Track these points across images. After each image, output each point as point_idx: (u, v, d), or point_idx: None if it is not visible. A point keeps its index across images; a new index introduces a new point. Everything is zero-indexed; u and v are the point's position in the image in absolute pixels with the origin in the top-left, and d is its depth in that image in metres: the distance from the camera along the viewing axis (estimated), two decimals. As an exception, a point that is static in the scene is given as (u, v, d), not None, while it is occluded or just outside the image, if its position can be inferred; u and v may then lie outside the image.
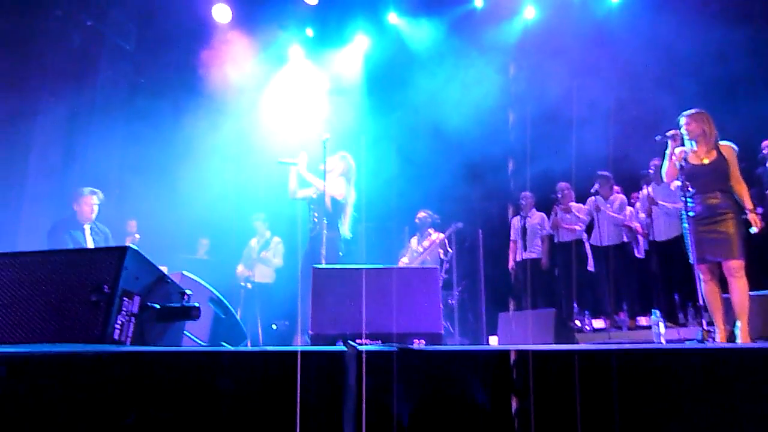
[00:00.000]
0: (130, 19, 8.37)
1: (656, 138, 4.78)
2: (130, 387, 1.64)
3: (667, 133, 4.69)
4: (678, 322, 6.17)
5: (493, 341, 6.82)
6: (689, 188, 4.49)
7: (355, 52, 9.03)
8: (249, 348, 2.51)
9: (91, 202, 5.79)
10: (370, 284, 3.90)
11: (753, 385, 1.84)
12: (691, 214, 4.47)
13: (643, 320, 6.49)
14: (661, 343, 4.37)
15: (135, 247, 2.53)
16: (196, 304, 2.74)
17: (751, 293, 4.34)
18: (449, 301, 6.97)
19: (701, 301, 4.42)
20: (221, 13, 8.27)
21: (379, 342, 3.77)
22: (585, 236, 7.31)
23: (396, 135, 8.38)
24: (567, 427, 1.71)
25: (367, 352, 1.67)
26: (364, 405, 1.63)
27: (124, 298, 2.41)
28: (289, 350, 1.70)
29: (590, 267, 7.19)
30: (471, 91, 7.74)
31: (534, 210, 7.67)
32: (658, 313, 4.51)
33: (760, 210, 4.88)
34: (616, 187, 7.29)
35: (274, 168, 5.93)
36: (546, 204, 7.64)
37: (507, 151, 8.21)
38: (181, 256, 7.64)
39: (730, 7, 6.69)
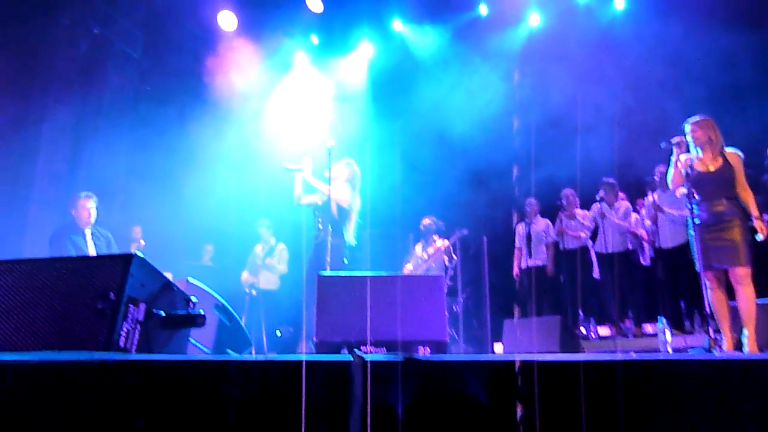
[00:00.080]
0: (137, 26, 8.42)
1: (661, 145, 4.77)
2: (136, 395, 1.64)
3: (672, 140, 4.66)
4: (684, 329, 6.14)
5: (498, 348, 6.79)
6: (695, 195, 4.47)
7: (359, 59, 9.06)
8: (255, 356, 2.51)
9: (88, 206, 5.78)
10: (374, 291, 3.90)
11: (759, 396, 1.83)
12: (697, 221, 4.44)
13: (649, 328, 6.45)
14: (668, 350, 4.34)
15: (141, 254, 2.53)
16: (202, 312, 2.74)
17: (758, 301, 4.31)
18: (454, 307, 6.96)
19: (708, 309, 4.39)
20: (227, 21, 8.32)
21: (384, 349, 3.77)
22: (590, 243, 7.29)
23: (401, 141, 8.38)
24: (573, 437, 1.70)
25: (373, 361, 1.67)
26: (369, 414, 1.62)
27: (130, 305, 2.41)
28: (294, 359, 1.70)
29: (595, 274, 7.16)
30: (476, 98, 7.75)
31: (539, 217, 7.66)
32: (664, 320, 4.49)
33: (766, 217, 4.84)
34: (621, 194, 7.27)
35: (278, 174, 5.94)
36: (551, 211, 7.62)
37: (512, 157, 8.19)
38: (186, 263, 7.65)
39: (736, 13, 6.67)
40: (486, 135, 7.63)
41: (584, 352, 5.90)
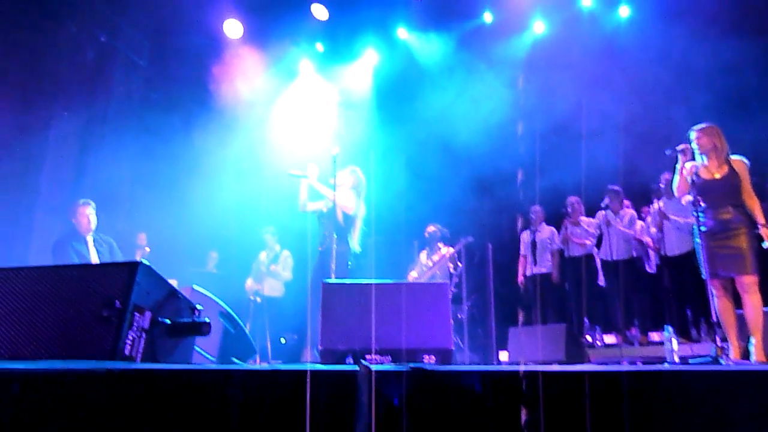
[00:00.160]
0: (143, 34, 8.46)
1: (666, 152, 4.76)
2: (141, 404, 1.63)
3: (678, 148, 4.65)
4: (691, 338, 6.10)
5: (504, 356, 6.77)
6: (701, 203, 4.46)
7: (364, 66, 9.09)
8: (261, 366, 2.51)
9: (86, 213, 5.79)
10: (379, 299, 3.89)
11: (766, 407, 1.82)
12: (703, 229, 4.42)
13: (655, 336, 6.41)
14: (674, 359, 4.32)
15: (146, 263, 2.53)
16: (207, 320, 2.74)
17: (766, 309, 4.29)
18: (459, 315, 6.93)
19: (714, 317, 4.37)
20: (232, 29, 8.36)
21: (389, 357, 3.75)
22: (595, 251, 7.27)
23: (405, 149, 8.40)
24: (579, 447, 1.69)
25: (379, 371, 1.66)
26: (374, 425, 1.62)
27: (136, 314, 2.42)
28: (300, 369, 1.69)
29: (600, 282, 7.14)
30: (480, 105, 7.76)
31: (544, 224, 7.65)
32: (670, 329, 4.46)
33: (773, 225, 4.82)
34: (626, 202, 7.25)
35: (283, 181, 5.94)
36: (556, 218, 7.61)
37: (516, 165, 8.20)
38: (191, 270, 7.66)
39: (741, 20, 6.66)
40: (491, 142, 7.63)
41: (590, 360, 5.87)
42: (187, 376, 1.72)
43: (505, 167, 7.96)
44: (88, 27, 7.62)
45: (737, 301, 4.37)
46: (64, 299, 2.40)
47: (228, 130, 8.17)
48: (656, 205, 6.68)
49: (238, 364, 3.47)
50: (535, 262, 7.50)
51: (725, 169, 4.49)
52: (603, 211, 7.09)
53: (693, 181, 4.48)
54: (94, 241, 5.85)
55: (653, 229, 6.75)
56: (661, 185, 6.57)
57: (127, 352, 2.35)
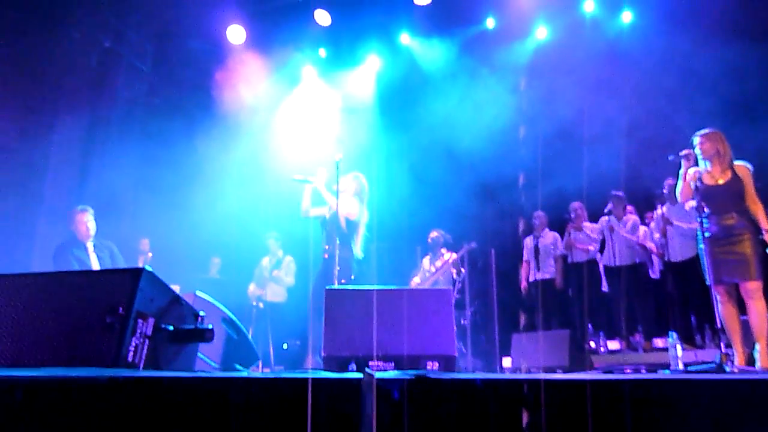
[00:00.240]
0: (147, 40, 8.49)
1: (669, 158, 4.75)
2: (144, 412, 1.63)
3: (681, 153, 4.65)
4: (695, 344, 6.08)
5: (507, 363, 6.75)
6: (704, 209, 4.44)
7: (367, 72, 9.10)
8: (264, 373, 2.50)
9: (84, 220, 5.78)
10: (382, 305, 3.88)
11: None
12: (707, 234, 4.41)
13: (659, 342, 6.39)
14: (678, 366, 4.29)
15: (150, 269, 2.53)
16: (210, 326, 2.74)
17: (771, 315, 4.27)
18: (462, 321, 6.92)
19: (719, 323, 4.35)
20: (235, 35, 8.37)
21: (392, 364, 3.74)
22: (599, 256, 7.25)
23: (408, 154, 8.40)
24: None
25: (382, 379, 1.66)
26: (379, 433, 1.61)
27: (139, 320, 2.41)
28: (303, 377, 1.69)
29: (604, 287, 7.12)
30: (483, 111, 7.75)
31: (547, 230, 7.64)
32: (675, 335, 4.44)
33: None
34: (629, 207, 7.24)
35: (285, 187, 5.94)
36: (559, 224, 7.59)
37: (520, 170, 8.19)
38: (193, 275, 7.66)
39: (745, 25, 6.65)
40: (494, 148, 7.62)
41: (594, 366, 5.86)
42: (190, 383, 1.71)
43: (508, 173, 7.96)
44: (91, 32, 7.65)
45: (742, 307, 4.35)
46: (66, 306, 2.40)
47: (231, 136, 8.17)
48: (660, 210, 6.67)
49: (241, 371, 3.46)
50: (538, 268, 7.49)
51: (729, 174, 4.49)
52: (606, 217, 7.08)
53: (696, 186, 4.47)
54: (94, 246, 5.84)
55: (657, 235, 6.74)
56: (665, 191, 6.56)
57: (130, 358, 2.34)
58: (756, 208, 4.40)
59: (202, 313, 2.84)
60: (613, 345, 6.65)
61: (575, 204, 7.39)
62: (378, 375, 1.68)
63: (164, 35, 8.43)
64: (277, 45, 8.53)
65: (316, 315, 5.24)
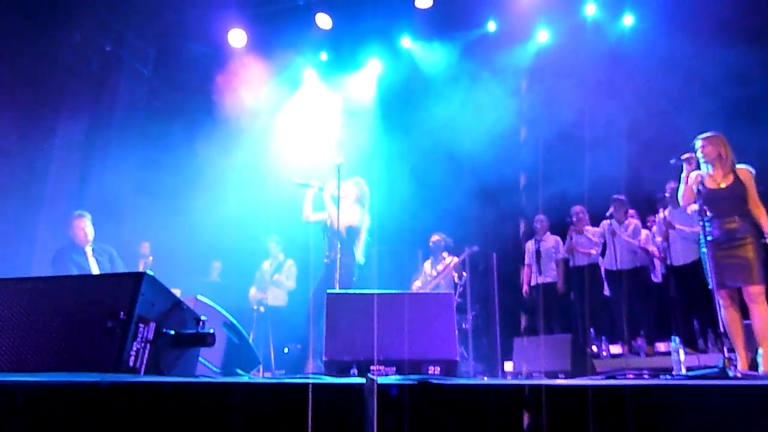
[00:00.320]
0: (148, 43, 8.51)
1: (671, 162, 4.74)
2: (145, 417, 1.62)
3: (682, 157, 4.64)
4: (698, 348, 6.06)
5: (508, 367, 6.73)
6: (707, 212, 4.43)
7: (368, 75, 9.10)
8: (265, 378, 2.49)
9: (82, 225, 5.76)
10: (383, 310, 3.87)
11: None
12: (709, 238, 4.39)
13: (661, 346, 6.37)
14: (681, 370, 4.28)
15: (151, 273, 2.52)
16: (211, 331, 2.73)
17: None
18: (463, 325, 6.90)
19: (722, 328, 4.33)
20: (237, 38, 8.38)
21: (394, 368, 3.73)
22: (600, 260, 7.24)
23: (409, 158, 8.40)
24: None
25: (384, 384, 1.65)
26: (382, 439, 1.60)
27: (140, 325, 2.40)
28: (304, 382, 1.68)
29: (606, 291, 7.10)
30: (485, 114, 7.75)
31: (548, 234, 7.63)
32: (677, 339, 4.42)
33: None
34: (630, 211, 7.23)
35: (286, 190, 5.93)
36: (560, 227, 7.58)
37: (521, 173, 8.19)
38: (194, 279, 7.65)
39: (746, 28, 6.64)
40: (495, 151, 7.62)
41: (596, 370, 5.83)
42: (191, 388, 1.71)
43: (510, 176, 7.96)
44: (93, 36, 7.66)
45: (744, 312, 4.33)
46: (67, 310, 2.39)
47: (232, 139, 8.17)
48: (662, 214, 6.66)
49: (242, 376, 3.45)
50: (539, 272, 7.48)
51: (731, 178, 4.48)
52: (607, 221, 7.07)
53: (699, 190, 4.45)
54: (93, 251, 5.82)
55: (659, 239, 6.73)
56: (667, 194, 6.55)
57: (131, 363, 2.34)
58: (758, 211, 4.39)
59: (203, 318, 2.83)
60: (615, 349, 6.63)
61: (577, 207, 7.38)
62: (380, 380, 1.67)
63: (165, 39, 8.44)
64: (278, 48, 8.53)
65: (315, 320, 5.24)
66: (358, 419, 1.65)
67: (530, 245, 7.72)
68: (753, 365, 4.22)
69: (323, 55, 9.08)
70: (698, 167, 4.63)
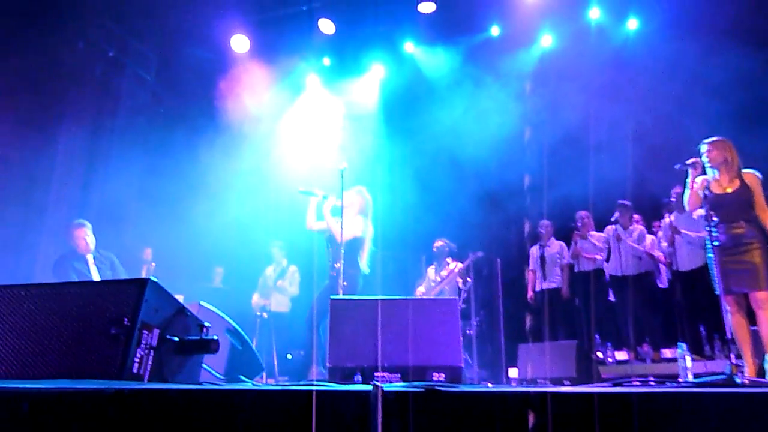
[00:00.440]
0: (151, 49, 8.53)
1: (676, 167, 4.71)
2: (149, 424, 1.61)
3: (687, 162, 4.61)
4: (704, 354, 6.01)
5: (513, 373, 6.69)
6: (713, 218, 4.40)
7: (371, 80, 9.11)
8: (269, 386, 2.47)
9: (82, 234, 5.75)
10: (387, 316, 3.85)
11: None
12: (715, 243, 4.36)
13: (667, 352, 6.32)
14: (688, 377, 4.24)
15: (155, 279, 2.51)
16: (215, 337, 2.71)
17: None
18: (467, 331, 6.87)
19: (728, 334, 4.29)
20: (239, 44, 8.40)
21: (398, 375, 3.71)
22: (605, 265, 7.20)
23: (413, 163, 8.39)
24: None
25: (390, 392, 1.63)
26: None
27: (144, 331, 2.39)
28: (308, 389, 1.66)
29: (611, 297, 7.06)
30: (488, 119, 7.74)
31: (553, 239, 7.60)
32: (684, 346, 4.39)
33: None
34: (636, 216, 7.20)
35: (290, 197, 5.92)
36: (565, 232, 7.55)
37: (525, 178, 8.17)
38: (197, 285, 7.64)
39: (752, 31, 6.62)
40: (499, 156, 7.61)
41: (601, 376, 5.80)
42: (195, 395, 1.69)
43: (514, 181, 7.94)
44: (96, 42, 7.68)
45: (752, 318, 4.30)
46: (72, 317, 2.38)
47: (235, 145, 8.18)
48: (667, 219, 6.63)
49: (246, 383, 3.43)
50: (544, 277, 7.44)
51: (737, 183, 4.45)
52: (612, 226, 7.04)
53: (705, 195, 4.43)
54: (94, 258, 5.82)
55: (664, 244, 6.69)
56: (672, 199, 6.52)
57: (135, 370, 2.32)
58: (765, 216, 4.36)
59: (207, 324, 2.82)
60: (621, 355, 6.58)
61: (582, 213, 7.35)
62: (386, 387, 1.65)
63: (168, 44, 8.46)
64: (281, 54, 8.55)
65: (316, 328, 5.22)
66: (362, 427, 1.63)
67: (535, 251, 7.70)
68: (761, 372, 4.19)
69: (326, 61, 9.09)
70: (704, 172, 4.60)
